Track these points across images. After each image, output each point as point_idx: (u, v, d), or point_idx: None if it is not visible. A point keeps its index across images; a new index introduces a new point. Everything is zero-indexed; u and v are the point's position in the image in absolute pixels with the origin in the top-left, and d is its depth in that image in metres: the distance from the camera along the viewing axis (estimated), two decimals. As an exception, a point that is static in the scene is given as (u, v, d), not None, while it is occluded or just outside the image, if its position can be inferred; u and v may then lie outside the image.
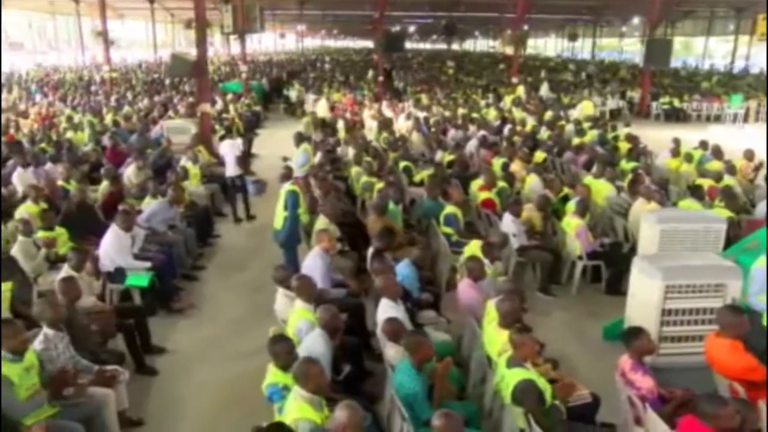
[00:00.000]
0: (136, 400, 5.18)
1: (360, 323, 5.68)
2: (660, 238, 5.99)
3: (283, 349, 4.04)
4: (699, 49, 51.62)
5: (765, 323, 4.94)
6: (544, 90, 23.83)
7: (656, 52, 20.20)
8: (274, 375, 4.04)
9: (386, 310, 4.96)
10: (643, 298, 4.93)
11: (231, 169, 10.01)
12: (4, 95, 20.42)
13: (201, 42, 12.42)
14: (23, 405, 4.03)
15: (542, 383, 4.06)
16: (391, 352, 4.61)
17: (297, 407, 3.64)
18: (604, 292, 7.40)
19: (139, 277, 6.58)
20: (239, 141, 11.27)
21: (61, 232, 7.09)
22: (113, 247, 6.60)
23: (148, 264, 6.70)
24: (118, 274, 6.61)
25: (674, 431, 3.74)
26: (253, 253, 8.66)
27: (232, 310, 7.00)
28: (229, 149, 10.18)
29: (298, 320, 4.77)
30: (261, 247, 8.73)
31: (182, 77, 17.85)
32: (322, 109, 17.70)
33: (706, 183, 9.10)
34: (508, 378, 4.05)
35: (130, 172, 9.91)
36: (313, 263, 5.84)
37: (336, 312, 4.57)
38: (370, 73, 28.48)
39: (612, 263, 7.39)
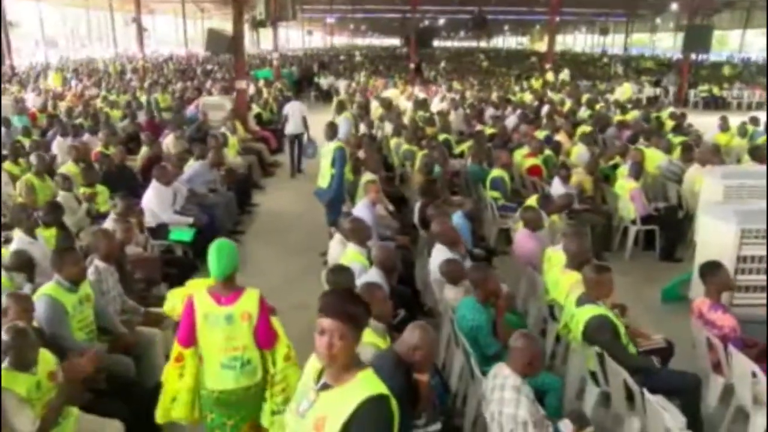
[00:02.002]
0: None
1: (410, 274, 5.49)
2: (723, 195, 5.67)
3: (343, 279, 3.86)
4: (734, 44, 50.52)
5: None
6: (565, 75, 23.37)
7: (696, 37, 19.65)
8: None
9: (440, 255, 4.75)
10: (715, 245, 4.63)
11: (293, 127, 10.68)
12: (41, 83, 20.73)
13: (238, 18, 12.33)
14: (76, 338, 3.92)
15: (617, 321, 3.81)
16: (451, 294, 4.41)
17: (360, 332, 3.45)
18: (658, 259, 7.10)
19: (183, 232, 6.49)
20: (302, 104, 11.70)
21: (102, 189, 7.03)
22: (154, 202, 6.52)
23: (190, 220, 6.61)
24: (161, 230, 6.52)
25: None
26: (292, 221, 8.54)
27: (273, 271, 6.85)
28: (296, 109, 10.79)
29: (350, 263, 4.56)
30: (300, 215, 8.62)
31: (218, 53, 17.85)
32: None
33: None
34: (579, 316, 3.82)
35: (168, 141, 9.86)
36: (361, 214, 5.64)
37: (392, 251, 4.39)
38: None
39: (667, 228, 7.08)
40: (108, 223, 5.46)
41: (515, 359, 3.02)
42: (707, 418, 3.92)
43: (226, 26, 16.69)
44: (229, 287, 3.15)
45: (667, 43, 54.50)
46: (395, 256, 4.36)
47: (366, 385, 2.11)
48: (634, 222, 7.05)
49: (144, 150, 8.87)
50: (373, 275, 4.28)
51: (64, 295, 3.86)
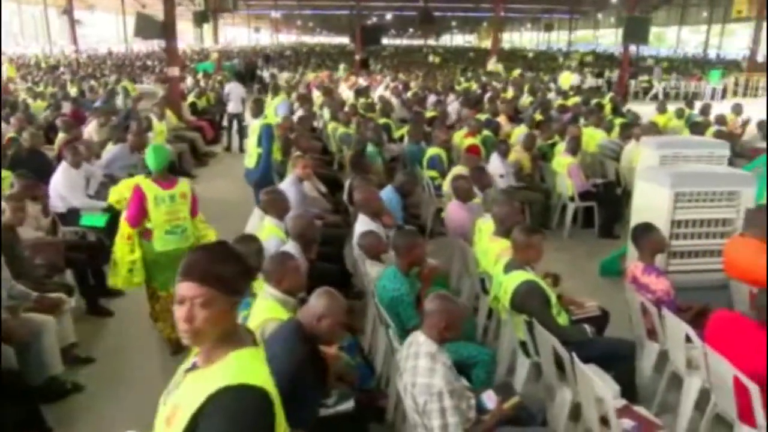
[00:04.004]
0: (86, 340, 4.66)
1: (338, 253, 5.16)
2: (659, 164, 5.54)
3: (249, 250, 3.48)
4: (671, 41, 52.29)
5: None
6: (492, 64, 23.47)
7: (635, 28, 19.95)
8: (239, 281, 3.49)
9: (362, 227, 4.44)
10: (650, 209, 4.45)
11: (233, 107, 11.80)
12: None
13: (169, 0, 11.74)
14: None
15: (548, 288, 3.57)
16: (373, 272, 4.07)
17: (267, 307, 3.10)
18: (597, 236, 6.99)
19: (95, 218, 5.98)
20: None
21: (6, 175, 6.43)
22: (63, 184, 5.99)
23: (103, 204, 6.10)
24: (72, 216, 6.01)
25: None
26: (226, 209, 7.97)
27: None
28: (234, 90, 11.94)
29: (267, 237, 4.21)
30: (233, 203, 8.13)
31: (148, 38, 17.01)
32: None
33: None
34: (507, 283, 3.56)
35: (91, 129, 9.25)
36: (287, 189, 5.26)
37: (309, 220, 4.04)
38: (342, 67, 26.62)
39: (605, 204, 6.98)
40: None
41: (430, 324, 2.72)
42: (642, 385, 3.74)
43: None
44: (166, 176, 4.25)
45: (609, 39, 55.95)
46: (313, 226, 4.02)
47: (232, 369, 1.62)
48: (572, 199, 6.91)
49: (60, 136, 8.27)
50: (290, 248, 3.93)
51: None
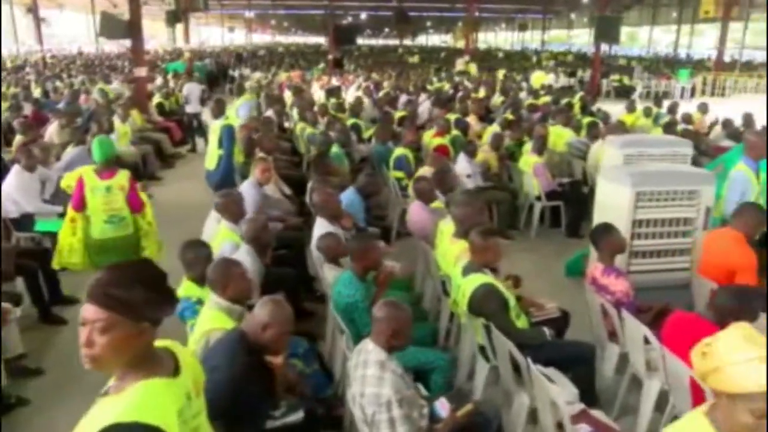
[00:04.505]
0: (36, 350, 4.52)
1: (299, 257, 5.04)
2: (624, 163, 5.53)
3: (198, 256, 3.38)
4: (643, 41, 53.04)
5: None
6: (461, 63, 23.51)
7: (606, 28, 20.12)
8: (187, 288, 3.37)
9: (320, 230, 4.34)
10: (612, 209, 4.40)
11: (193, 107, 11.66)
12: None
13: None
14: None
15: (506, 291, 3.50)
16: (330, 276, 3.96)
17: (211, 316, 2.99)
18: (564, 235, 6.97)
19: (51, 223, 5.79)
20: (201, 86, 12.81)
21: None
22: (16, 188, 5.79)
23: (59, 209, 5.91)
24: (26, 221, 5.82)
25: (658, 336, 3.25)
26: (190, 212, 7.75)
27: (163, 261, 6.24)
28: (194, 89, 11.82)
29: (222, 242, 4.10)
30: (199, 205, 7.92)
31: (113, 38, 16.60)
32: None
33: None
34: (465, 286, 3.49)
35: (52, 130, 8.99)
36: (245, 192, 5.15)
37: (264, 224, 3.92)
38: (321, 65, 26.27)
39: (572, 203, 6.96)
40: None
41: (379, 331, 2.63)
42: (603, 388, 3.70)
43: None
44: (108, 168, 4.50)
45: (583, 39, 56.53)
46: (267, 229, 3.91)
47: (130, 403, 1.51)
48: (539, 198, 6.88)
49: (18, 138, 8.03)
50: (243, 253, 3.82)
51: None
